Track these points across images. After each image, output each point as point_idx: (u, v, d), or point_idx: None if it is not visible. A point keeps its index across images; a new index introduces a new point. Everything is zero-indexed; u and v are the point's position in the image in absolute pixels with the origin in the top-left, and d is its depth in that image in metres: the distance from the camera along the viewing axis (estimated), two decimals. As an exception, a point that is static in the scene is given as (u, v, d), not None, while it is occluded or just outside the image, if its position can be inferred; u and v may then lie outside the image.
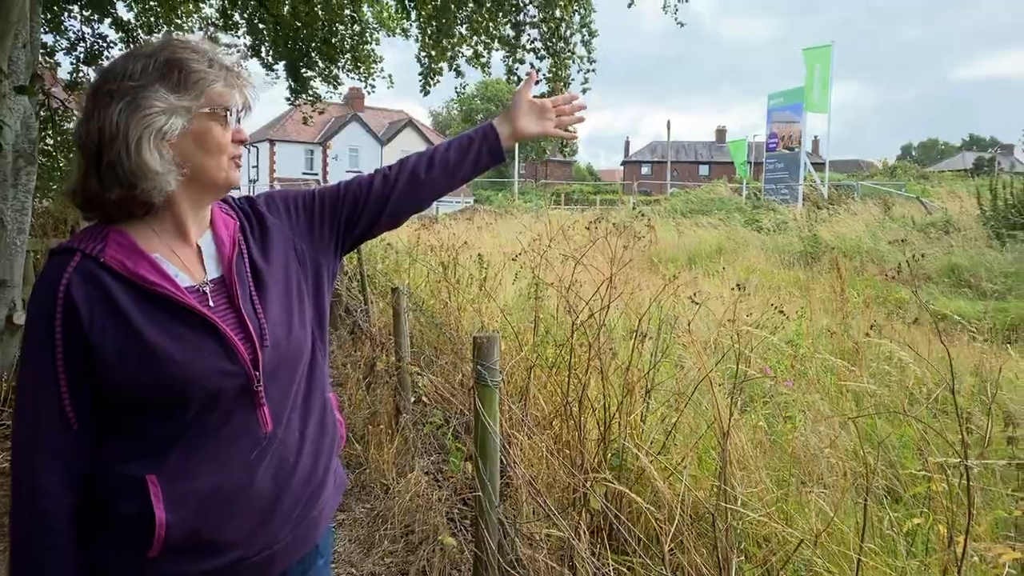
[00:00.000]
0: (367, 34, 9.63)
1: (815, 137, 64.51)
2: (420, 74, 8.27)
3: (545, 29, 7.33)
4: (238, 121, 1.36)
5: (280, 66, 9.61)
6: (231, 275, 1.36)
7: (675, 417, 3.30)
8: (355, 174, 1.69)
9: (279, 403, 1.36)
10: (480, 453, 2.82)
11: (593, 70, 7.67)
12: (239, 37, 9.21)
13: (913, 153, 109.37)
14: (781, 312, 5.46)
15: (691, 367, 3.57)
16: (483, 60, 8.54)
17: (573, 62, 7.47)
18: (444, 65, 8.07)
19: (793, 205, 24.38)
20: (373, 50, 9.76)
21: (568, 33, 7.32)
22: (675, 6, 7.92)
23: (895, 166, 37.99)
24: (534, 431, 3.40)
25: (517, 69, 7.80)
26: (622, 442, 2.97)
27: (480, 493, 2.82)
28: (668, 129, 56.68)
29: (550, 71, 7.63)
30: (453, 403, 4.72)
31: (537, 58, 7.68)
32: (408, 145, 54.69)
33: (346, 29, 9.41)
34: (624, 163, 77.56)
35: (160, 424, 1.26)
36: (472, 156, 1.68)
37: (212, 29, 9.03)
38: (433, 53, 7.99)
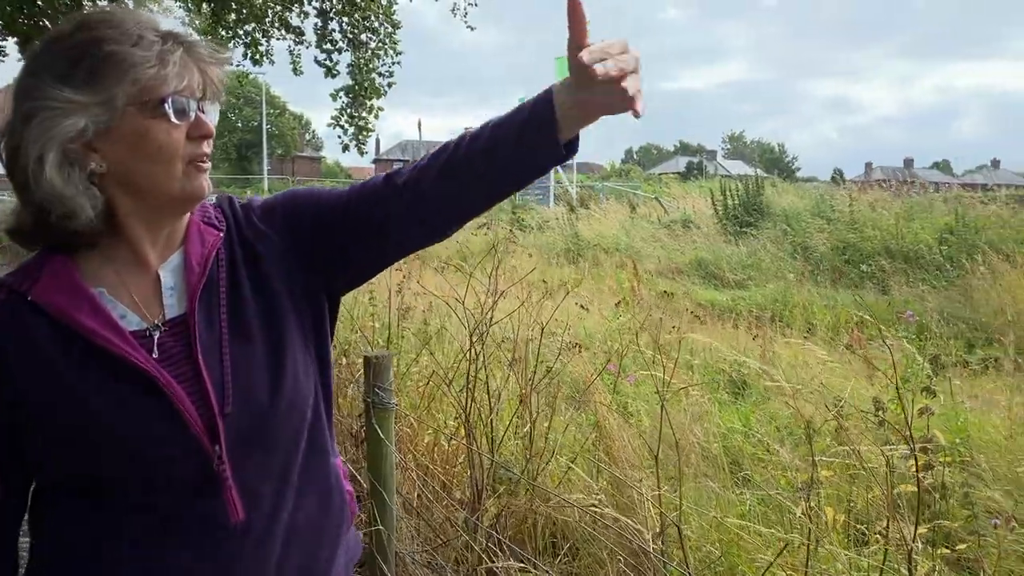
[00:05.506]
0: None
1: (554, 140, 68.92)
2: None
3: (348, 20, 6.93)
4: (200, 110, 1.03)
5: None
6: (192, 313, 1.05)
7: (546, 422, 3.30)
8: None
9: (255, 483, 1.06)
10: (382, 484, 2.58)
11: (399, 63, 7.42)
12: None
13: (635, 156, 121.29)
14: (583, 308, 5.78)
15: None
16: (262, 48, 7.91)
17: (386, 54, 7.16)
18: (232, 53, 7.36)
19: (545, 206, 25.84)
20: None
21: (376, 23, 6.99)
22: (465, 9, 7.94)
23: (628, 168, 41.88)
24: (420, 453, 3.21)
25: (324, 60, 7.33)
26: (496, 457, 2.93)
27: (380, 526, 2.58)
28: (419, 128, 57.53)
29: (350, 65, 7.26)
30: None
31: (336, 50, 7.25)
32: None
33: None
34: (375, 161, 77.00)
35: (99, 509, 1.01)
36: (507, 155, 1.06)
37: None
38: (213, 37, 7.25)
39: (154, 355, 1.02)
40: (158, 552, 1.01)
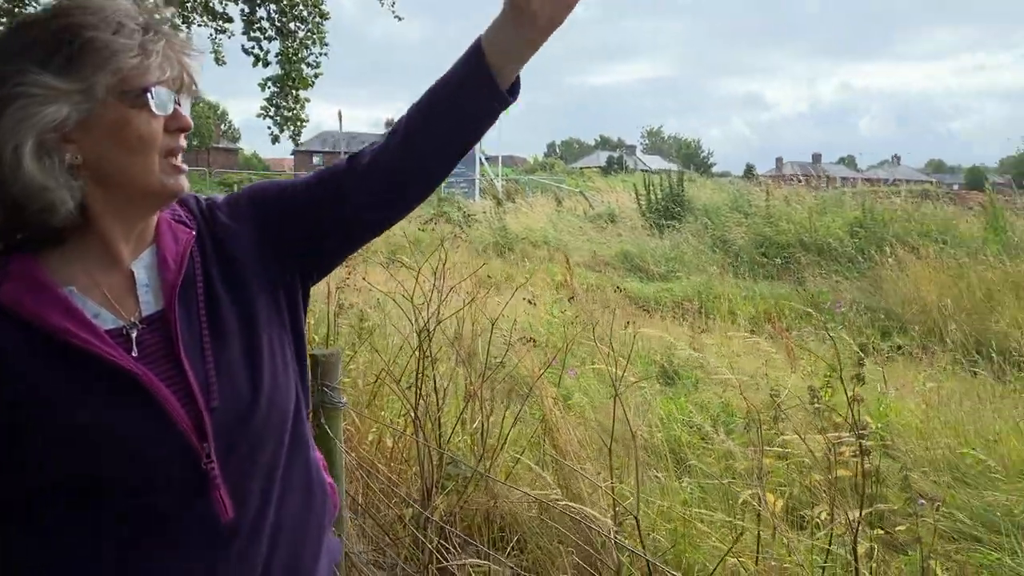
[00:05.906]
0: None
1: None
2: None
3: (276, 7, 6.74)
4: (176, 103, 1.02)
5: None
6: (173, 310, 1.03)
7: (494, 417, 3.30)
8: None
9: (243, 480, 1.04)
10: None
11: (326, 54, 7.29)
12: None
13: (557, 150, 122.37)
14: (531, 303, 5.80)
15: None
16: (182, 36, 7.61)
17: (314, 44, 7.00)
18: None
19: (471, 199, 25.82)
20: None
21: (306, 13, 6.83)
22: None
23: (551, 162, 42.24)
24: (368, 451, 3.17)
25: (252, 49, 7.10)
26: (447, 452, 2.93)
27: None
28: (340, 120, 56.20)
29: (279, 54, 7.06)
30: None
31: (265, 38, 7.05)
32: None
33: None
34: (295, 152, 75.20)
35: (81, 518, 0.98)
36: (445, 108, 1.10)
37: None
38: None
39: (133, 353, 0.99)
40: (157, 553, 0.99)
